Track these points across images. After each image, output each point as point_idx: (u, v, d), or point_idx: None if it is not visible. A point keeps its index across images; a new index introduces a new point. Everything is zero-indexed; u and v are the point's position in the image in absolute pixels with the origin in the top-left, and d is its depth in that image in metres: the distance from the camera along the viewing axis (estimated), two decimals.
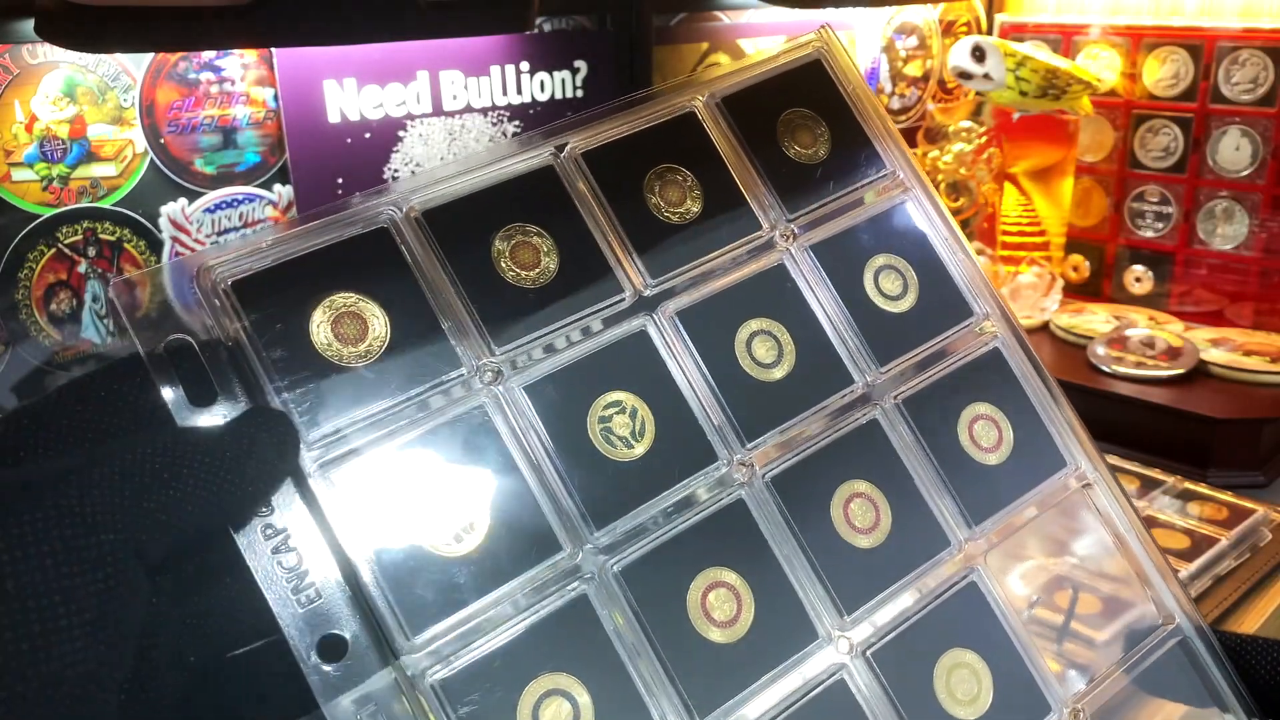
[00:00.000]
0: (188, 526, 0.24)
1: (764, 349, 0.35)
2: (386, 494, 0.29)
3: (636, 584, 0.30)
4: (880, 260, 0.37)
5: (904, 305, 0.37)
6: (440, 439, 0.30)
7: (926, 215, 0.38)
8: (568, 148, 0.35)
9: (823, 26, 0.40)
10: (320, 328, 0.30)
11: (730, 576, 0.31)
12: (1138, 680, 0.35)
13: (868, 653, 0.32)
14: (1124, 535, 0.37)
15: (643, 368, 0.33)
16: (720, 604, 0.31)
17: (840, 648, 0.32)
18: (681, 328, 0.34)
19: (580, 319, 0.33)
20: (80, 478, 0.22)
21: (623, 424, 0.32)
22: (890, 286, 0.37)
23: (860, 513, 0.34)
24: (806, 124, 0.38)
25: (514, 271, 0.32)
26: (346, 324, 0.30)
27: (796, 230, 0.37)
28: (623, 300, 0.34)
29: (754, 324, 0.35)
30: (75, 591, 0.21)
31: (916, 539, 0.34)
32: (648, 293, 0.34)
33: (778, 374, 0.34)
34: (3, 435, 0.26)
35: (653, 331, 0.34)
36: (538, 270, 0.33)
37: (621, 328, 0.33)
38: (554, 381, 0.32)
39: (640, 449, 0.32)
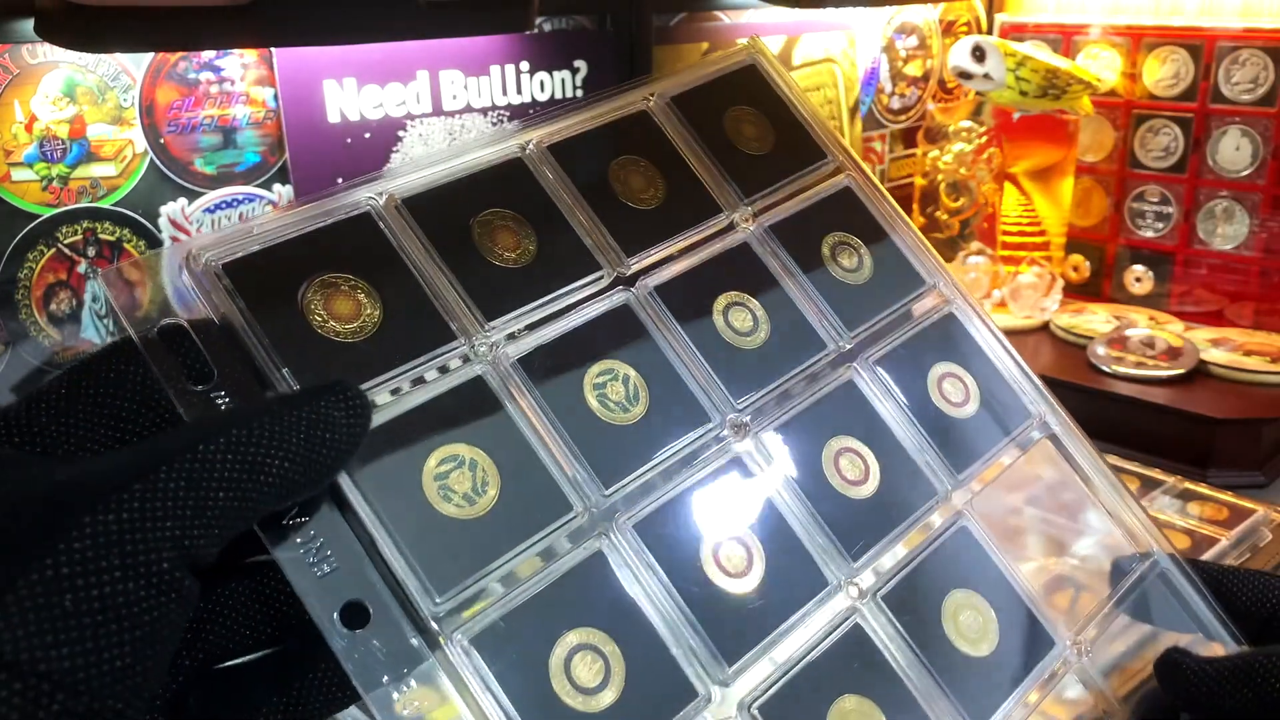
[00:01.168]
0: (246, 525, 0.23)
1: (740, 319, 0.37)
2: (395, 461, 0.29)
3: (650, 539, 0.31)
4: (835, 238, 0.40)
5: (862, 278, 0.40)
6: (443, 407, 0.31)
7: (868, 196, 0.42)
8: (533, 141, 0.37)
9: (752, 37, 0.44)
10: (313, 305, 0.30)
11: (738, 529, 0.33)
12: (1129, 612, 0.37)
13: (878, 596, 0.33)
14: (1091, 476, 0.39)
15: (629, 338, 0.35)
16: (733, 556, 0.32)
17: (851, 593, 0.33)
18: (661, 301, 0.36)
19: (563, 294, 0.34)
20: (144, 485, 0.21)
21: (617, 390, 0.34)
22: (848, 262, 0.40)
23: (849, 466, 0.35)
24: (750, 119, 0.41)
25: (496, 252, 0.34)
26: (339, 302, 0.31)
27: (754, 213, 0.40)
28: (602, 277, 0.35)
29: (729, 296, 0.37)
30: (131, 608, 0.20)
31: (905, 488, 0.36)
32: (626, 270, 0.36)
33: (757, 341, 0.37)
34: (28, 416, 0.25)
35: (635, 305, 0.36)
36: (518, 251, 0.34)
37: (604, 302, 0.35)
38: (545, 353, 0.33)
39: (637, 411, 0.33)
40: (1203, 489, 0.86)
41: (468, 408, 0.31)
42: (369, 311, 0.31)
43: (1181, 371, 1.00)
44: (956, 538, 0.35)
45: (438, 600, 0.28)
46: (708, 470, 0.34)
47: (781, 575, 0.32)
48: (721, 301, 0.37)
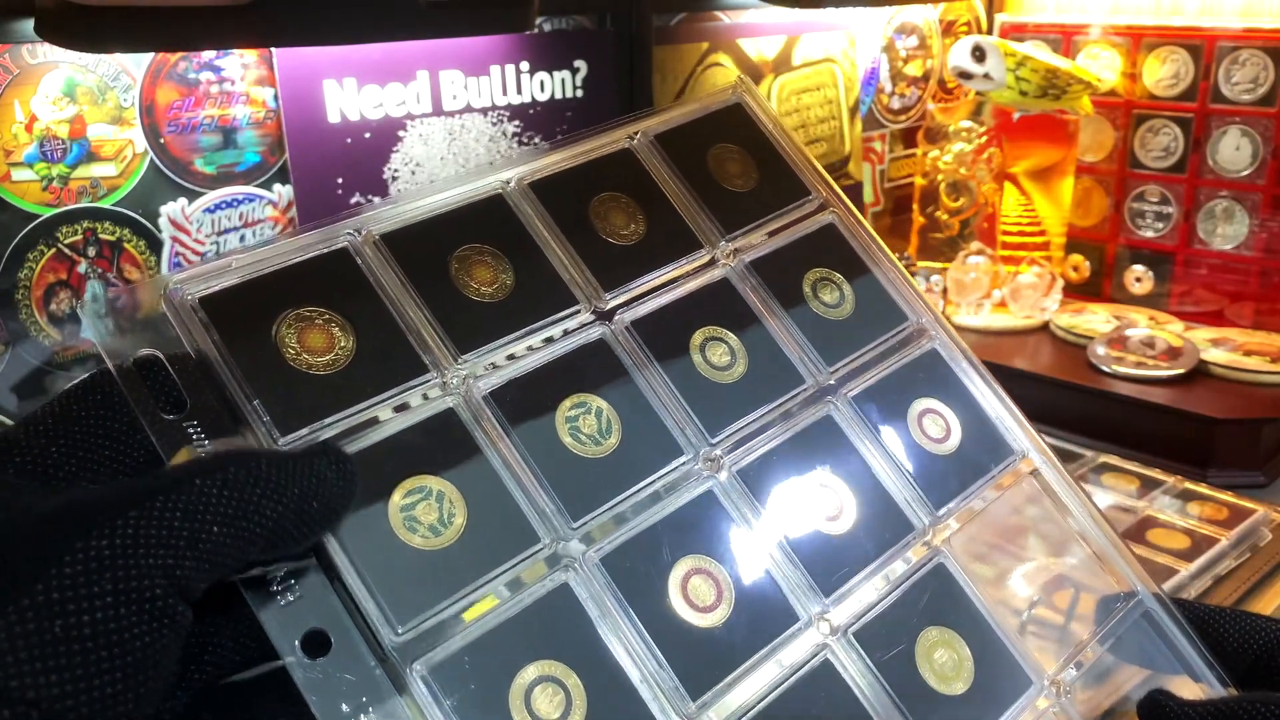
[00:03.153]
0: (237, 565, 0.23)
1: (717, 353, 0.37)
2: (362, 493, 0.29)
3: (617, 573, 0.31)
4: (817, 274, 0.40)
5: (843, 313, 0.40)
6: (412, 439, 0.31)
7: (851, 233, 0.42)
8: (514, 179, 0.37)
9: (739, 76, 0.44)
10: (286, 339, 0.30)
11: (707, 564, 0.32)
12: (1112, 651, 0.36)
13: (849, 633, 0.33)
14: (1077, 514, 0.38)
15: (604, 372, 0.35)
16: (700, 590, 0.32)
17: (822, 629, 0.33)
18: (637, 336, 0.36)
19: (538, 328, 0.35)
20: (139, 512, 0.21)
21: (589, 423, 0.33)
22: (829, 297, 0.40)
23: (825, 501, 0.35)
24: (734, 157, 0.41)
25: (472, 287, 0.34)
26: (312, 335, 0.31)
27: (735, 249, 0.39)
28: (579, 311, 0.36)
29: (706, 330, 0.37)
30: (122, 634, 0.20)
31: (881, 524, 0.35)
32: (604, 305, 0.36)
33: (734, 375, 0.36)
34: (27, 439, 0.26)
35: (610, 340, 0.35)
36: (495, 286, 0.34)
37: (579, 337, 0.35)
38: (518, 386, 0.33)
39: (610, 444, 0.33)
40: (1203, 489, 0.86)
41: (438, 440, 0.31)
42: (342, 345, 0.31)
43: (1181, 371, 1.00)
44: (933, 575, 0.35)
45: (399, 630, 0.28)
46: (678, 504, 0.33)
47: (751, 610, 0.32)
48: (699, 336, 0.37)
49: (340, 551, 0.28)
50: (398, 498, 0.29)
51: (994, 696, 0.33)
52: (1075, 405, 1.01)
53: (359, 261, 0.33)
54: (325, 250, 0.33)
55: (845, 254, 0.41)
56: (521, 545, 0.30)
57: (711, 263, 0.39)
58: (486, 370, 0.33)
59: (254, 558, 0.24)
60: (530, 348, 0.34)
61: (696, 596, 0.32)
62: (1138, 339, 1.06)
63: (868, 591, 0.34)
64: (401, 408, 0.31)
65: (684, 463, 0.34)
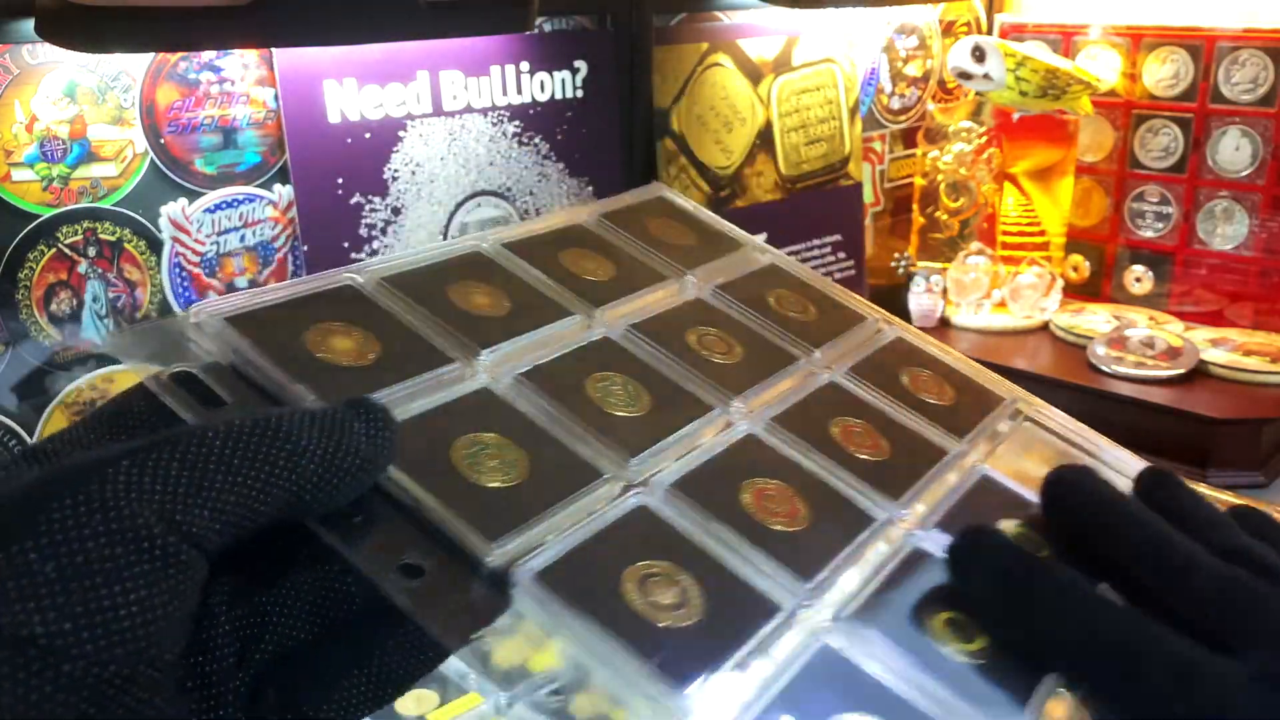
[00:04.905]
0: (265, 520, 0.23)
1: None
2: (422, 447, 0.30)
3: (691, 493, 0.32)
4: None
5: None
6: (456, 408, 0.32)
7: (791, 266, 0.47)
8: (489, 240, 0.41)
9: (654, 181, 0.50)
10: (315, 340, 0.32)
11: (772, 484, 0.34)
12: None
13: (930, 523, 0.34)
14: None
15: (617, 361, 0.37)
16: (775, 500, 0.33)
17: (906, 522, 0.34)
18: (638, 333, 0.39)
19: (545, 330, 0.37)
20: (131, 460, 0.22)
21: (617, 390, 0.36)
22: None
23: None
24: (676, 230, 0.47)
25: (473, 305, 0.37)
26: (338, 340, 0.32)
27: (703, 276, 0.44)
28: (575, 318, 0.38)
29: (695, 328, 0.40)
30: (120, 574, 0.20)
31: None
32: (595, 315, 0.39)
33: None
34: (56, 452, 0.26)
35: (617, 339, 0.38)
36: (493, 305, 0.37)
37: (565, 322, 0.38)
38: (543, 371, 0.35)
39: (643, 404, 0.35)
40: (1202, 489, 0.86)
41: (481, 408, 0.32)
42: (369, 345, 0.33)
43: (1181, 371, 1.00)
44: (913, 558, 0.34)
45: (494, 548, 0.27)
46: (729, 442, 0.35)
47: (831, 513, 0.33)
48: (692, 335, 0.40)
49: (415, 488, 0.28)
50: (460, 448, 0.30)
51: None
52: (1075, 405, 1.00)
53: (365, 293, 0.35)
54: (332, 286, 0.35)
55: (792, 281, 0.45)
56: (589, 477, 0.31)
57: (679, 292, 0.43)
58: (507, 358, 0.35)
59: (281, 512, 0.23)
60: (540, 341, 0.36)
61: (774, 506, 0.33)
62: (1137, 339, 1.06)
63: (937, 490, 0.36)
64: (439, 384, 0.32)
65: (716, 413, 0.36)
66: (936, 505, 0.36)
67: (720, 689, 0.27)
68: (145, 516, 0.21)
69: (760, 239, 0.48)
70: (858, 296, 0.46)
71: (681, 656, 0.26)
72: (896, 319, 0.46)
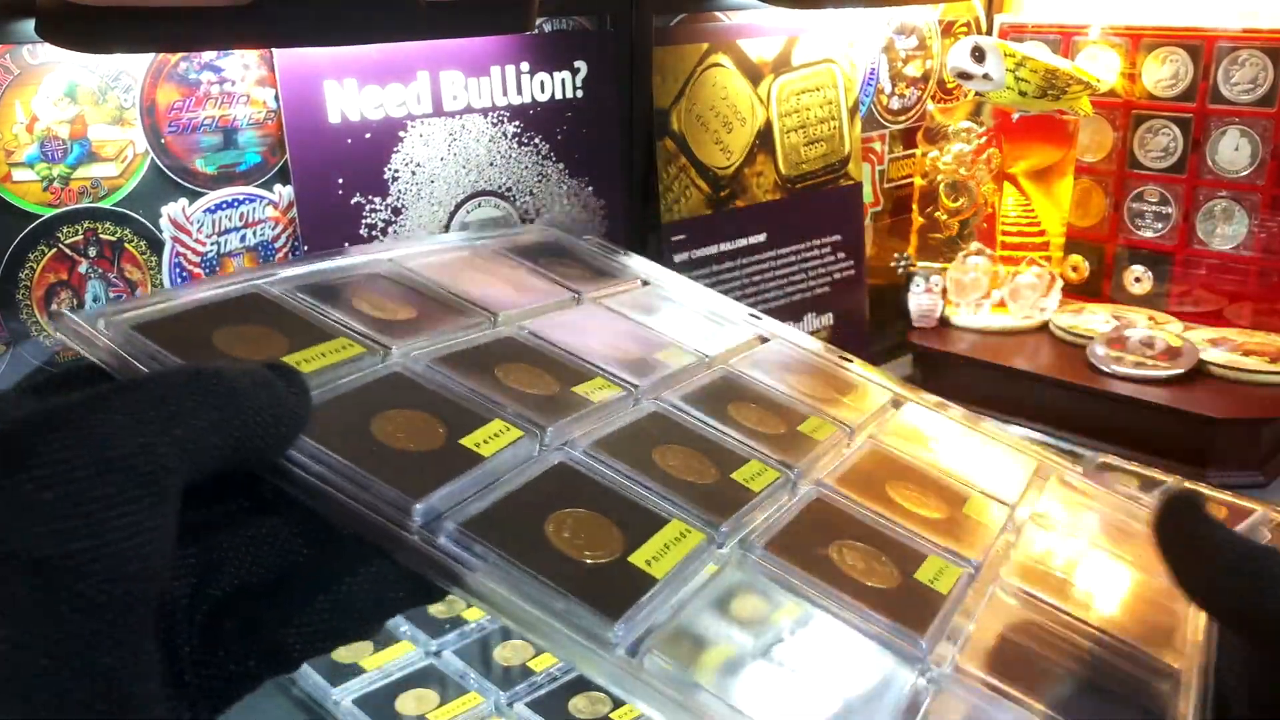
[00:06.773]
0: (216, 460, 0.24)
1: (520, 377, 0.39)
2: (340, 421, 0.31)
3: (608, 453, 0.34)
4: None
5: None
6: (371, 390, 0.33)
7: (670, 300, 0.50)
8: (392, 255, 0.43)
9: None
10: (225, 342, 0.33)
11: (683, 452, 0.37)
12: None
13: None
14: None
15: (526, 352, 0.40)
16: (682, 459, 0.36)
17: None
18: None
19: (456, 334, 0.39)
20: (109, 401, 0.23)
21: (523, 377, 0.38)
22: None
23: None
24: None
25: (386, 306, 0.38)
26: (249, 341, 0.33)
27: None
28: (485, 321, 0.41)
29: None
30: (114, 499, 0.21)
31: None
32: (496, 319, 0.41)
33: None
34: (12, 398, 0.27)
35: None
36: (393, 308, 0.39)
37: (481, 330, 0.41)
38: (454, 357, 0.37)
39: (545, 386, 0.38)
40: (1201, 489, 0.86)
41: (394, 389, 0.34)
42: (279, 344, 0.34)
43: (1181, 371, 1.00)
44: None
45: (417, 504, 0.28)
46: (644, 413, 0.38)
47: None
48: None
49: (333, 454, 0.29)
50: (377, 421, 0.31)
51: None
52: (1074, 405, 1.01)
53: (269, 298, 0.36)
54: (238, 292, 0.36)
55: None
56: (508, 439, 0.33)
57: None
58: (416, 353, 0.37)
59: (228, 456, 0.25)
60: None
61: (682, 464, 0.35)
62: (1137, 339, 1.06)
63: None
64: (350, 372, 0.34)
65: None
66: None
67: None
68: (126, 447, 0.22)
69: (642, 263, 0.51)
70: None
71: (608, 590, 0.28)
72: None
